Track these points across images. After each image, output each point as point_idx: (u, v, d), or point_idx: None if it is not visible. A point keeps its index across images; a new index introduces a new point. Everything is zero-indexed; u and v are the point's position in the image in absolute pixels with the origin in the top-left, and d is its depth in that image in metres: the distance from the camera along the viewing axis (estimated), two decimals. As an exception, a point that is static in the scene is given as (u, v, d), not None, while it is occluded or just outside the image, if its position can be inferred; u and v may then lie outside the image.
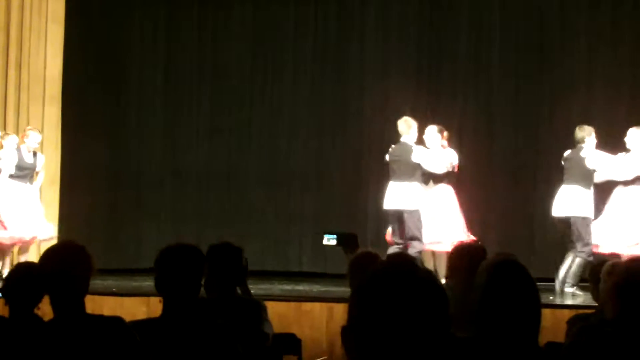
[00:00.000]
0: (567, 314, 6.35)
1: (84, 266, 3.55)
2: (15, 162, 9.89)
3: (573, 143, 9.31)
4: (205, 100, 12.16)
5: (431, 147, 9.61)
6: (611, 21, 11.39)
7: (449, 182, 9.72)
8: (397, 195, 9.38)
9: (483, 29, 11.74)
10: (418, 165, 9.42)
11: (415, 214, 9.32)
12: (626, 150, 9.15)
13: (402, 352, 1.72)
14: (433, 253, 9.65)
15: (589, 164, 9.11)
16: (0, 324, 3.78)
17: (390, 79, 11.57)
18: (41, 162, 10.17)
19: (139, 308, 7.66)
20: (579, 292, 8.78)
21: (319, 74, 11.99)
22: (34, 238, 10.00)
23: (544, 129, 11.24)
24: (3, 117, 11.12)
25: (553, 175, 9.61)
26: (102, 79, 11.87)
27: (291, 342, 5.46)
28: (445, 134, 9.74)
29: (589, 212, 9.08)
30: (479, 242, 6.90)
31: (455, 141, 10.23)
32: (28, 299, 3.78)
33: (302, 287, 9.83)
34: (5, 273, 8.93)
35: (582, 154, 9.14)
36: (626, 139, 9.11)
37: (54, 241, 9.15)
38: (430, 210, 9.47)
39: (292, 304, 8.03)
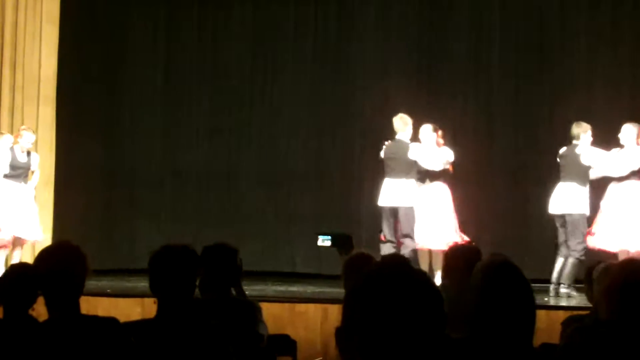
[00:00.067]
0: (561, 315, 6.34)
1: (79, 267, 3.54)
2: (8, 161, 9.90)
3: (568, 139, 9.32)
4: (205, 100, 12.16)
5: (426, 145, 9.62)
6: (611, 21, 11.39)
7: (444, 181, 9.72)
8: (392, 192, 9.39)
9: (483, 29, 11.74)
10: (414, 163, 9.43)
11: (410, 211, 9.34)
12: (620, 146, 9.17)
13: (396, 353, 1.72)
14: (430, 252, 9.65)
15: (584, 160, 9.13)
16: (-5, 325, 3.78)
17: (390, 79, 11.56)
18: (36, 161, 10.16)
19: (133, 309, 7.65)
20: (574, 293, 8.79)
21: (319, 74, 11.98)
22: (25, 239, 10.02)
23: (543, 129, 11.24)
24: (-3, 117, 11.13)
25: (553, 176, 9.60)
26: (97, 79, 11.84)
27: (286, 343, 5.46)
28: (440, 132, 9.75)
29: (585, 209, 9.10)
30: (474, 243, 6.90)
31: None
32: (22, 299, 3.77)
33: (296, 288, 9.83)
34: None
35: (577, 150, 9.17)
36: (620, 135, 9.13)
37: (48, 242, 9.15)
38: (424, 209, 9.48)
39: (287, 305, 8.03)
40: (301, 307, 7.99)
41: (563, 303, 8.47)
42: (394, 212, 9.40)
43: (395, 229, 9.41)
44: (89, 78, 11.78)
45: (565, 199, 9.14)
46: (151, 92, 12.10)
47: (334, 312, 7.54)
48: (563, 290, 8.92)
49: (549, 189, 9.44)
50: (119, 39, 12.07)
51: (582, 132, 9.18)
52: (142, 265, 3.85)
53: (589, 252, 8.93)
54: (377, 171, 9.86)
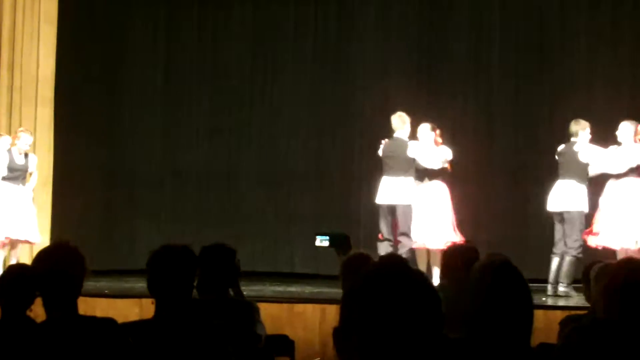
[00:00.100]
0: (559, 315, 6.35)
1: (77, 267, 3.54)
2: (6, 163, 9.89)
3: (567, 137, 9.32)
4: (205, 100, 12.17)
5: (425, 144, 9.63)
6: (611, 21, 11.39)
7: (443, 180, 9.73)
8: (391, 190, 9.40)
9: (483, 29, 11.74)
10: (413, 160, 9.45)
11: (408, 209, 9.35)
12: (618, 143, 9.18)
13: (394, 353, 1.72)
14: (428, 251, 9.65)
15: (582, 157, 9.14)
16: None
17: (390, 79, 11.57)
18: (33, 163, 10.14)
19: (131, 309, 7.65)
20: (573, 293, 8.78)
21: (319, 74, 11.99)
22: (24, 240, 10.02)
23: (543, 129, 11.23)
24: (-5, 118, 11.12)
25: (552, 175, 9.60)
26: (95, 79, 11.84)
27: (284, 343, 5.46)
28: (438, 131, 9.75)
29: (584, 206, 9.11)
30: (471, 243, 6.90)
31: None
32: (20, 300, 3.77)
33: (294, 289, 9.83)
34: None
35: (576, 147, 9.19)
36: (618, 133, 9.14)
37: (46, 244, 9.14)
38: (423, 207, 9.48)
39: (285, 305, 8.03)
40: (299, 307, 7.99)
41: (561, 303, 8.46)
42: (392, 210, 9.41)
43: (392, 227, 9.42)
44: (87, 78, 11.78)
45: (564, 196, 9.15)
46: (151, 92, 12.10)
47: (332, 313, 7.54)
48: (562, 289, 8.92)
49: (547, 189, 9.44)
50: (118, 38, 12.07)
51: (581, 130, 9.20)
52: (140, 265, 3.84)
53: (589, 251, 8.93)
54: (377, 171, 9.87)
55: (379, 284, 1.76)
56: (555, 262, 9.07)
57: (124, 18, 12.10)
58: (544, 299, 8.63)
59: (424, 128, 9.71)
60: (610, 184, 9.15)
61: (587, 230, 9.15)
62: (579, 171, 9.16)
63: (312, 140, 11.93)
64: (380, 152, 9.63)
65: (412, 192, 9.40)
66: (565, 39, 11.47)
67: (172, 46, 12.21)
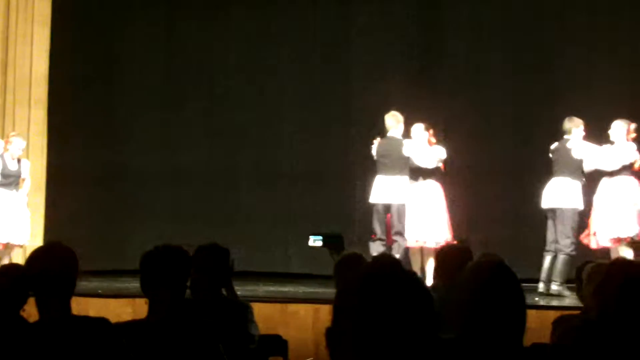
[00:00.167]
0: (552, 315, 6.34)
1: (70, 267, 3.53)
2: None
3: (560, 134, 9.34)
4: (205, 101, 12.14)
5: (419, 143, 9.63)
6: (611, 21, 11.38)
7: (437, 179, 9.73)
8: (386, 189, 9.40)
9: (483, 29, 11.74)
10: (408, 159, 9.44)
11: (402, 208, 9.35)
12: (610, 142, 9.20)
13: (386, 353, 1.72)
14: (421, 251, 9.66)
15: (576, 154, 9.17)
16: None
17: (390, 79, 11.56)
18: (26, 169, 10.08)
19: (124, 309, 7.64)
20: (566, 292, 8.78)
21: (319, 74, 11.98)
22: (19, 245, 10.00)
23: (543, 129, 11.23)
24: (-12, 120, 11.09)
25: (549, 175, 9.61)
26: (89, 80, 11.82)
27: (277, 343, 5.46)
28: (431, 131, 9.76)
29: (578, 204, 9.12)
30: (465, 243, 6.91)
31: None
32: (13, 300, 3.76)
33: (287, 289, 9.83)
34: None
35: (569, 145, 9.22)
36: (610, 132, 9.17)
37: (39, 244, 9.13)
38: (416, 206, 9.49)
39: (278, 305, 8.03)
40: (293, 307, 7.99)
41: (554, 303, 8.46)
42: (386, 208, 9.42)
43: (387, 226, 9.42)
44: (81, 80, 11.76)
45: (557, 193, 9.17)
46: (148, 93, 12.08)
47: (326, 313, 7.53)
48: (555, 287, 8.92)
49: (543, 189, 9.44)
50: (112, 39, 12.05)
51: (574, 127, 9.24)
52: (133, 265, 3.84)
53: (582, 250, 8.94)
54: (375, 171, 9.87)
55: (371, 284, 1.76)
56: (547, 259, 9.08)
57: (119, 19, 12.08)
58: (536, 298, 8.63)
59: (418, 128, 9.72)
60: (604, 181, 9.18)
61: (586, 232, 9.15)
62: (573, 168, 9.18)
63: (312, 140, 11.91)
64: (373, 152, 9.63)
65: (406, 191, 9.40)
66: (565, 39, 11.47)
67: (172, 46, 12.19)
